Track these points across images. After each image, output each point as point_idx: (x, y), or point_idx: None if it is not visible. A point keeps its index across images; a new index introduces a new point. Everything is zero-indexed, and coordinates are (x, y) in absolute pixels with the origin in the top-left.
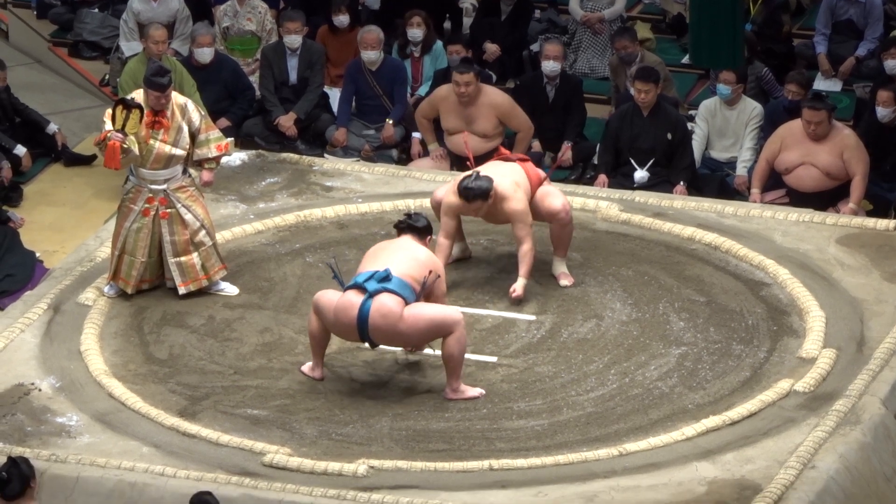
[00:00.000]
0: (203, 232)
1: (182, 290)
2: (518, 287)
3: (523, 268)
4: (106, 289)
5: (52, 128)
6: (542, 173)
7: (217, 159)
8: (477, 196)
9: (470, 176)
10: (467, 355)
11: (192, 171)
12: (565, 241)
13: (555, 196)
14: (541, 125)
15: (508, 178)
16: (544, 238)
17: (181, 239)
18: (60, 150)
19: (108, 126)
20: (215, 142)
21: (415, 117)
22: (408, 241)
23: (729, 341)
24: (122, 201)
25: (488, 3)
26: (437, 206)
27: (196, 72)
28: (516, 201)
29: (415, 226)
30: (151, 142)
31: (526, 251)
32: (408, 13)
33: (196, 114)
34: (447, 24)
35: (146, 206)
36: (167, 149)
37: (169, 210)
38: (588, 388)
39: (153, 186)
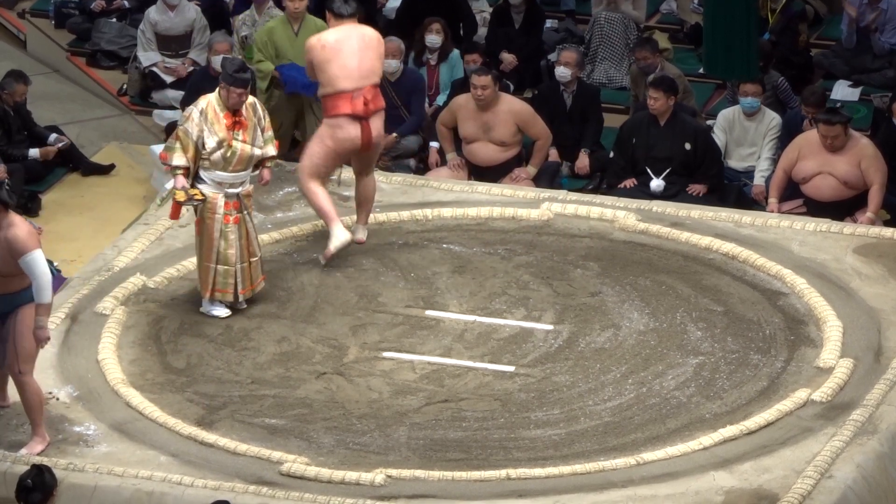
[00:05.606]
0: (256, 242)
1: (241, 297)
2: None
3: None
4: (214, 310)
5: (51, 138)
6: None
7: (275, 158)
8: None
9: None
10: (484, 364)
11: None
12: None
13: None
14: (558, 133)
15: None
16: (559, 248)
17: (243, 244)
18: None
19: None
20: (271, 140)
21: (436, 126)
22: None
23: (746, 351)
24: (202, 219)
25: (500, 12)
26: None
27: (213, 81)
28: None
29: None
30: (234, 143)
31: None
32: (427, 20)
33: (263, 112)
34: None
35: (225, 212)
36: (248, 149)
37: (239, 215)
38: (605, 398)
39: (229, 191)
